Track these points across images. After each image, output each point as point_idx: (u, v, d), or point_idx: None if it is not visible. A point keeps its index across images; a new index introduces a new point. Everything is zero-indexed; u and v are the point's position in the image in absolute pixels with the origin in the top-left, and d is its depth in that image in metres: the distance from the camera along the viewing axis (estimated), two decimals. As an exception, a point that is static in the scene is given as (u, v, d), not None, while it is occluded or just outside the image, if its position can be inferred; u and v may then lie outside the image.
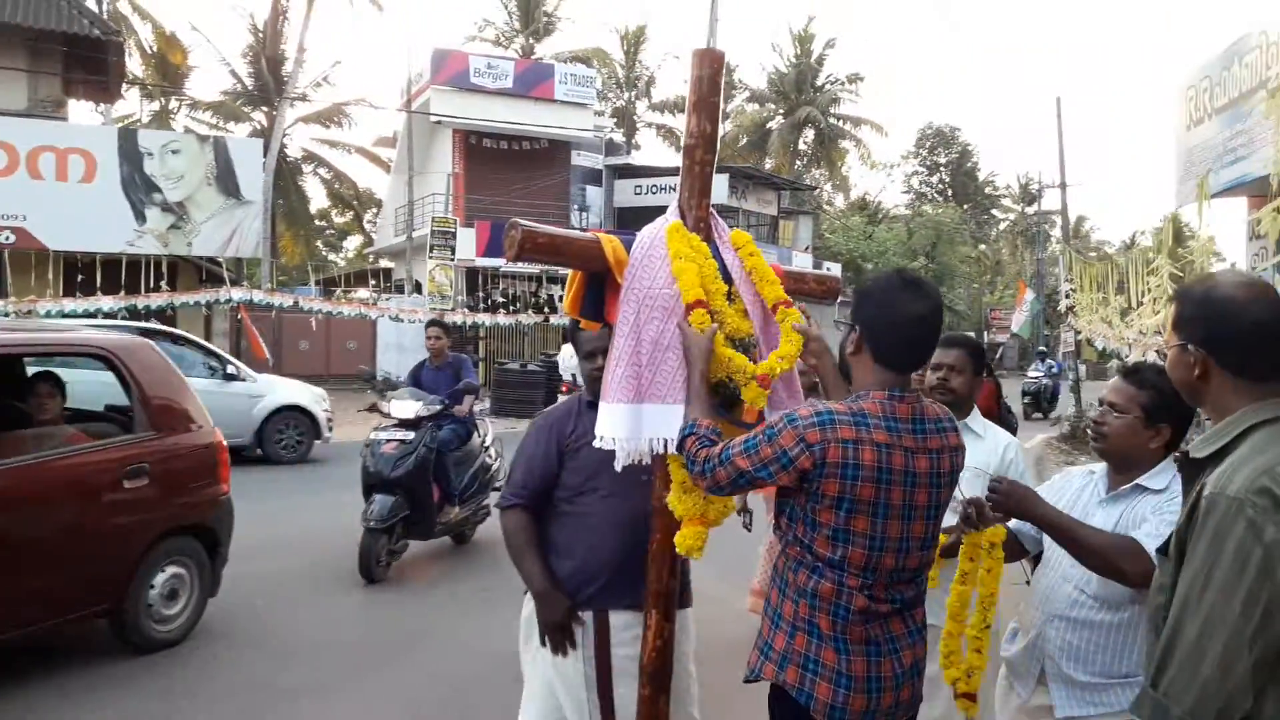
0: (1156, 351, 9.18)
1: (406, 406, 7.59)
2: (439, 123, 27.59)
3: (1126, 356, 9.53)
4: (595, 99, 31.27)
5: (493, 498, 7.71)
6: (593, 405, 2.90)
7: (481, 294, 25.84)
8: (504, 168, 28.60)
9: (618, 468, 2.64)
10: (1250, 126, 7.43)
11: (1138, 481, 2.71)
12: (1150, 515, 2.63)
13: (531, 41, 36.97)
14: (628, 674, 2.91)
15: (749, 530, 6.21)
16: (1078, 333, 17.69)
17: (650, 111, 42.33)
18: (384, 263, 33.57)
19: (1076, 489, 2.88)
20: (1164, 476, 2.72)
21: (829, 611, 2.25)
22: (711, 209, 2.82)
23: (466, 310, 23.97)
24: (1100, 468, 2.87)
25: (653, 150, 45.88)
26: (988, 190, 57.85)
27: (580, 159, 30.48)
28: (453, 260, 24.91)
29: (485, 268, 26.22)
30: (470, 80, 27.39)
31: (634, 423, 2.57)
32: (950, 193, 54.93)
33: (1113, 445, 2.74)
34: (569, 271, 2.85)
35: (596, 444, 2.62)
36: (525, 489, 3.06)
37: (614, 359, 2.60)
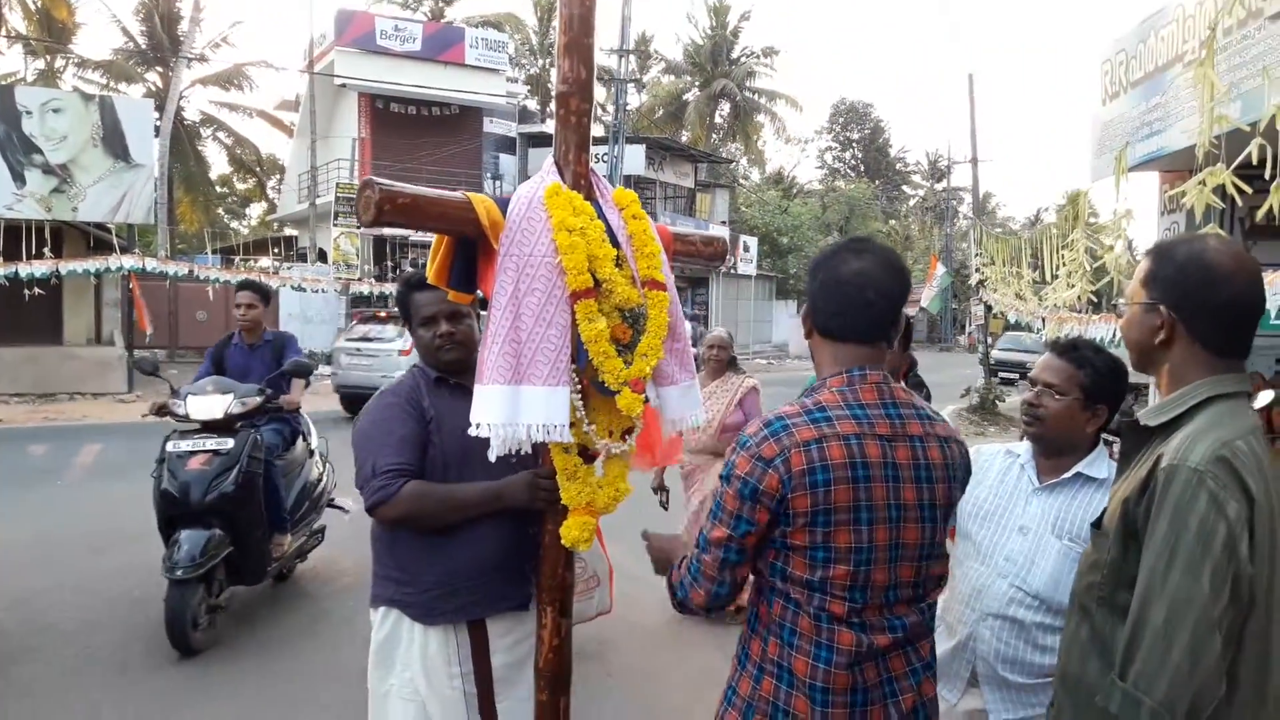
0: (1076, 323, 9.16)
1: (210, 403, 5.43)
2: (344, 86, 26.61)
3: (1039, 330, 9.50)
4: (508, 65, 30.54)
5: (343, 514, 6.82)
6: (441, 382, 2.70)
7: (390, 263, 25.13)
8: (413, 133, 27.75)
9: (492, 457, 2.34)
10: (1167, 100, 7.35)
11: (1078, 469, 2.50)
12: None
13: (441, 4, 35.89)
14: (510, 682, 2.70)
15: (665, 509, 5.99)
16: (988, 307, 17.92)
17: (564, 80, 41.56)
18: (288, 230, 32.43)
19: (999, 473, 2.66)
20: (1103, 464, 2.53)
21: (808, 652, 1.87)
22: (591, 166, 2.54)
23: (374, 280, 23.24)
24: (1022, 449, 2.65)
25: (567, 120, 45.03)
26: (898, 166, 58.67)
27: (493, 126, 29.80)
28: (359, 228, 24.14)
29: (393, 236, 25.47)
30: (376, 42, 26.46)
31: (510, 407, 2.28)
32: (862, 168, 55.54)
33: (1050, 429, 2.52)
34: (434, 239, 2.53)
35: (473, 431, 2.33)
36: (409, 464, 2.62)
37: (490, 335, 2.31)
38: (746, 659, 1.98)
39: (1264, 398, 5.53)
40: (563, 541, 2.43)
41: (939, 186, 56.12)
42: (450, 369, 2.77)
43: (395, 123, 27.78)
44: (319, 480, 6.54)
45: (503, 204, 2.40)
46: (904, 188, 60.09)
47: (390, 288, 22.39)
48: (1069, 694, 1.81)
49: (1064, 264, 9.23)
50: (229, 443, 5.26)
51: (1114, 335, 6.83)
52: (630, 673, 5.09)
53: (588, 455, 2.47)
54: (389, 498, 2.56)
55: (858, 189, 46.82)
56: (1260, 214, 3.85)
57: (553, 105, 2.56)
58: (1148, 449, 1.76)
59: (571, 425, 2.37)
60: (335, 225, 23.86)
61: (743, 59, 42.45)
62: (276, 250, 26.43)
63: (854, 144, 56.92)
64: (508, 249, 2.33)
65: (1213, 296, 1.74)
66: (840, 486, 1.82)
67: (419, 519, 2.60)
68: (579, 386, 2.41)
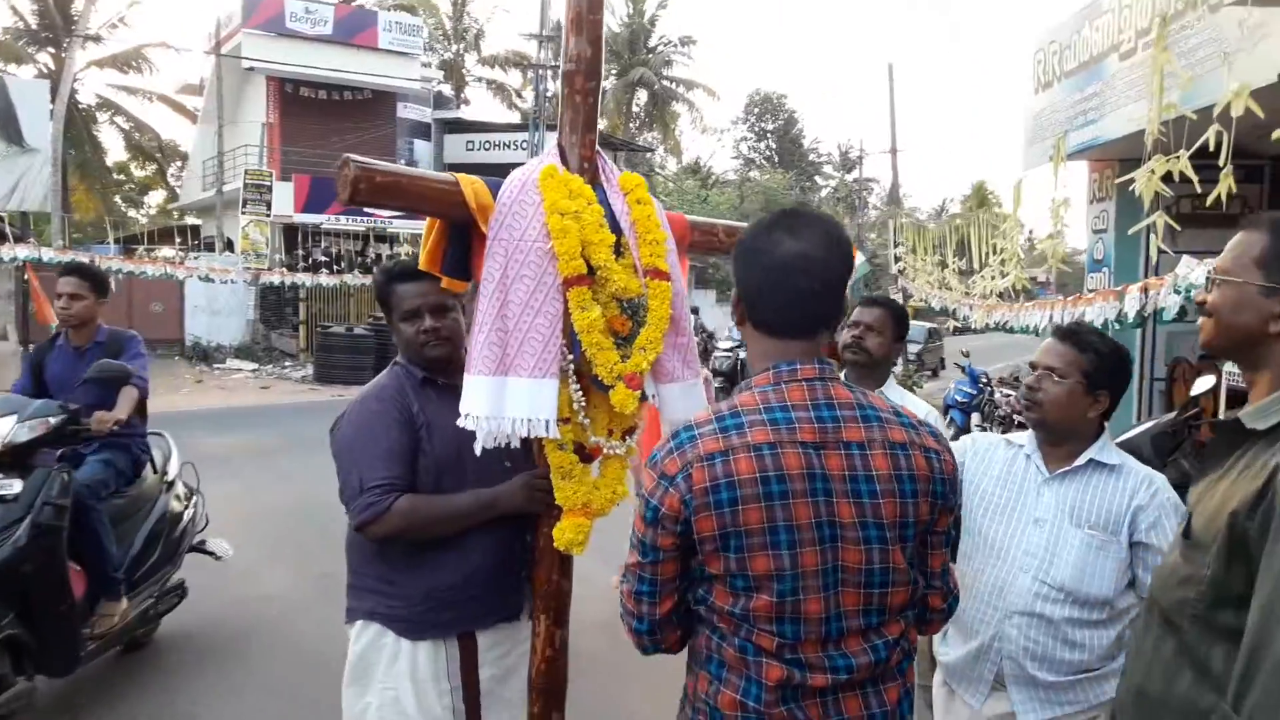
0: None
1: None
2: (251, 69, 25.63)
3: (967, 318, 9.59)
4: (422, 49, 29.86)
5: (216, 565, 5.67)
6: (429, 382, 2.51)
7: (301, 252, 24.41)
8: (324, 118, 26.90)
9: (477, 450, 2.22)
10: (1103, 89, 7.41)
11: (1091, 456, 2.43)
12: (1147, 508, 2.35)
13: (352, -13, 34.91)
14: (494, 696, 2.56)
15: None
16: (906, 295, 18.16)
17: (480, 65, 40.97)
18: (191, 219, 31.22)
19: (1003, 464, 2.58)
20: (1112, 451, 2.48)
21: (736, 686, 1.61)
22: (599, 148, 2.40)
23: (284, 269, 22.49)
24: (1024, 439, 2.57)
25: (483, 106, 44.64)
26: (811, 158, 59.35)
27: (407, 111, 29.10)
28: (268, 216, 23.42)
29: (305, 224, 24.72)
30: (286, 25, 25.53)
31: (496, 399, 2.16)
32: (776, 159, 56.02)
33: (1050, 414, 2.44)
34: (426, 222, 2.36)
35: (461, 423, 2.19)
36: (398, 477, 2.41)
37: (477, 323, 2.18)
38: (685, 699, 1.75)
39: (1203, 383, 5.60)
40: (556, 544, 2.29)
41: (850, 177, 56.98)
42: (436, 366, 2.57)
43: (306, 107, 26.90)
44: (179, 521, 5.18)
45: (494, 186, 2.25)
46: (816, 178, 60.85)
47: (304, 278, 21.73)
48: (1148, 713, 1.67)
49: (995, 252, 9.31)
50: (14, 486, 3.74)
51: (1047, 322, 6.84)
52: (595, 671, 4.92)
53: (585, 454, 2.33)
54: (378, 515, 2.37)
55: (773, 179, 47.22)
56: (1210, 200, 3.83)
57: (560, 86, 2.45)
58: (1247, 454, 1.58)
59: (566, 421, 2.24)
60: (243, 213, 23.02)
61: (660, 47, 42.36)
62: (181, 240, 25.35)
63: (769, 135, 57.36)
64: (496, 233, 2.18)
65: None
66: (750, 506, 1.55)
67: (411, 534, 2.42)
68: (577, 380, 2.26)
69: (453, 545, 2.45)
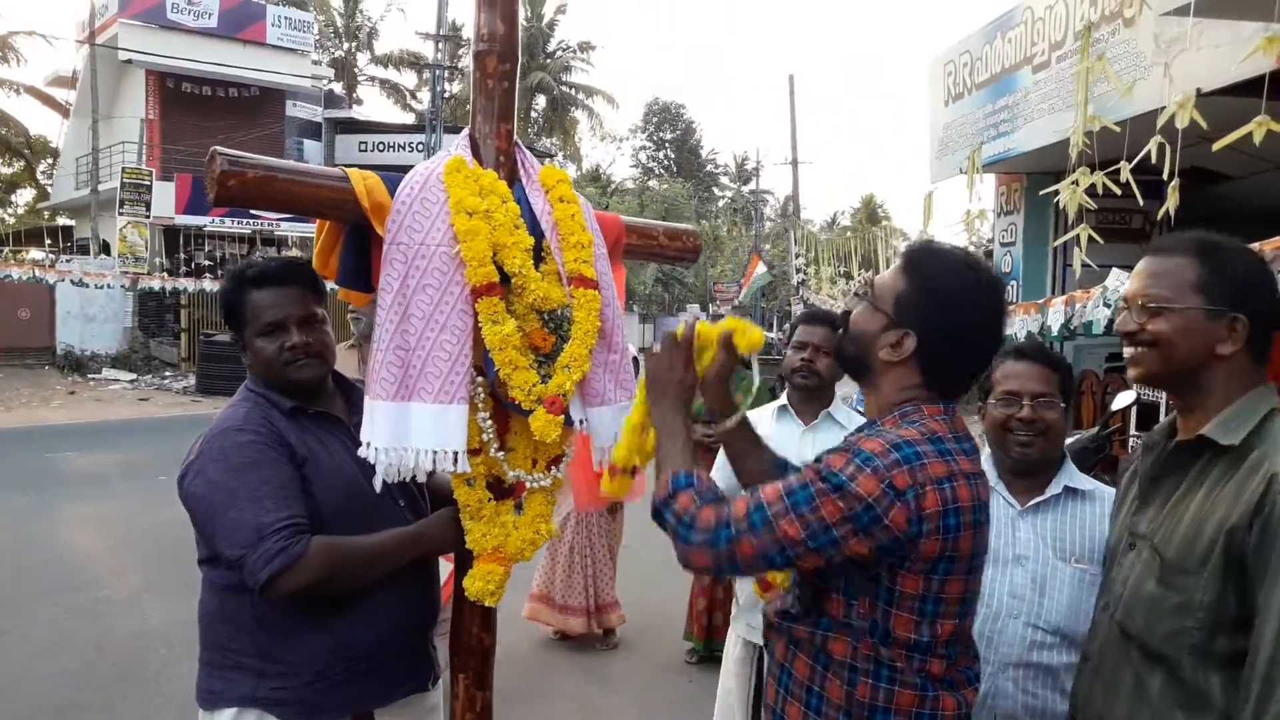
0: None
1: None
2: (129, 61, 24.33)
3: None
4: (312, 46, 28.89)
5: None
6: (298, 411, 2.08)
7: (183, 256, 23.29)
8: (208, 115, 25.72)
9: (377, 485, 1.92)
10: (1014, 101, 7.44)
11: (1065, 484, 2.27)
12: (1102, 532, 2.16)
13: (238, -20, 33.59)
14: None
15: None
16: (807, 304, 18.32)
17: (373, 65, 39.98)
18: (64, 220, 29.52)
19: None
20: (1080, 476, 2.31)
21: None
22: (517, 139, 2.13)
23: (165, 274, 21.42)
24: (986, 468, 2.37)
25: (376, 106, 43.59)
26: (708, 168, 59.83)
27: (296, 110, 28.11)
28: (148, 217, 22.26)
29: (187, 226, 23.59)
30: (167, 16, 24.37)
31: (398, 427, 1.88)
32: (675, 169, 56.27)
33: (1053, 444, 2.26)
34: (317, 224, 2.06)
35: (363, 452, 1.89)
36: (302, 517, 1.96)
37: (376, 340, 1.89)
38: None
39: (1123, 399, 5.61)
40: (466, 593, 2.00)
41: (746, 189, 57.62)
42: (304, 390, 2.14)
43: (188, 103, 25.68)
44: None
45: (391, 183, 1.95)
46: (714, 189, 61.38)
47: (186, 283, 20.70)
48: None
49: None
50: None
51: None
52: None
53: (503, 490, 2.04)
54: (293, 561, 1.89)
55: (672, 189, 47.40)
56: (1159, 214, 3.76)
57: (472, 70, 2.11)
58: (1212, 470, 1.61)
59: (476, 452, 1.96)
60: (121, 214, 21.79)
61: (559, 52, 42.04)
62: (51, 242, 23.90)
63: (667, 144, 57.58)
64: (395, 236, 1.90)
65: (1276, 303, 1.65)
66: (966, 532, 1.58)
67: (330, 585, 1.97)
68: (486, 405, 1.99)
69: (355, 603, 2.04)
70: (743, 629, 3.24)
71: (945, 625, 1.60)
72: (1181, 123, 3.43)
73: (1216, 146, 3.32)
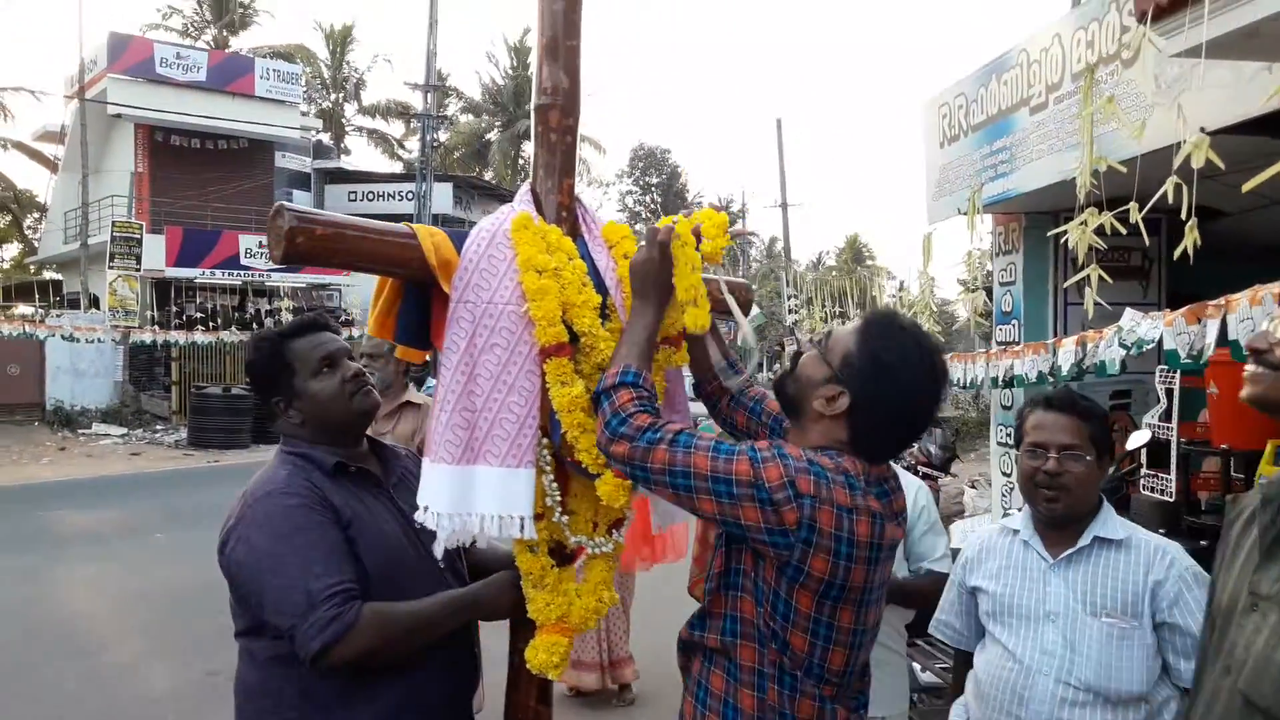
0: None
1: None
2: (118, 115, 24.41)
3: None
4: (301, 98, 29.06)
5: None
6: (341, 469, 2.04)
7: (174, 309, 23.18)
8: (197, 168, 25.80)
9: (437, 552, 1.90)
10: (1012, 143, 7.49)
11: (1095, 534, 2.21)
12: (1165, 582, 2.13)
13: (226, 34, 33.84)
14: None
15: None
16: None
17: (360, 115, 40.25)
18: (52, 274, 29.44)
19: (1002, 555, 2.35)
20: (1115, 523, 2.26)
21: None
22: (578, 195, 2.11)
23: (156, 327, 21.29)
24: (1020, 524, 2.34)
25: (363, 156, 43.86)
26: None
27: (286, 161, 28.20)
28: (138, 270, 22.15)
29: (178, 279, 23.51)
30: (156, 70, 24.49)
31: (460, 492, 1.83)
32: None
33: (1079, 499, 2.22)
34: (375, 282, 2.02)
35: (419, 517, 1.84)
36: (353, 582, 1.90)
37: (439, 401, 1.85)
38: None
39: (1138, 438, 5.59)
40: (529, 666, 1.93)
41: (733, 230, 57.91)
42: (362, 424, 2.17)
43: (177, 156, 25.77)
44: None
45: (457, 238, 1.92)
46: (700, 229, 61.72)
47: (177, 335, 20.58)
48: None
49: (903, 304, 9.34)
50: None
51: (979, 374, 6.82)
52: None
53: (564, 555, 1.98)
54: (346, 630, 1.83)
55: (659, 230, 47.75)
56: (1176, 253, 3.76)
57: (533, 122, 2.10)
58: None
59: (540, 517, 1.90)
60: (111, 267, 21.69)
61: (545, 100, 42.39)
62: (41, 297, 23.76)
63: (653, 188, 58.02)
64: (461, 294, 1.86)
65: None
66: (859, 566, 1.67)
67: (383, 653, 1.91)
68: (551, 468, 1.93)
69: (401, 672, 1.98)
70: None
71: (836, 653, 1.69)
72: (1197, 163, 3.44)
73: (1246, 188, 3.32)
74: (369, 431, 2.28)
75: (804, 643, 1.67)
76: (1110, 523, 2.24)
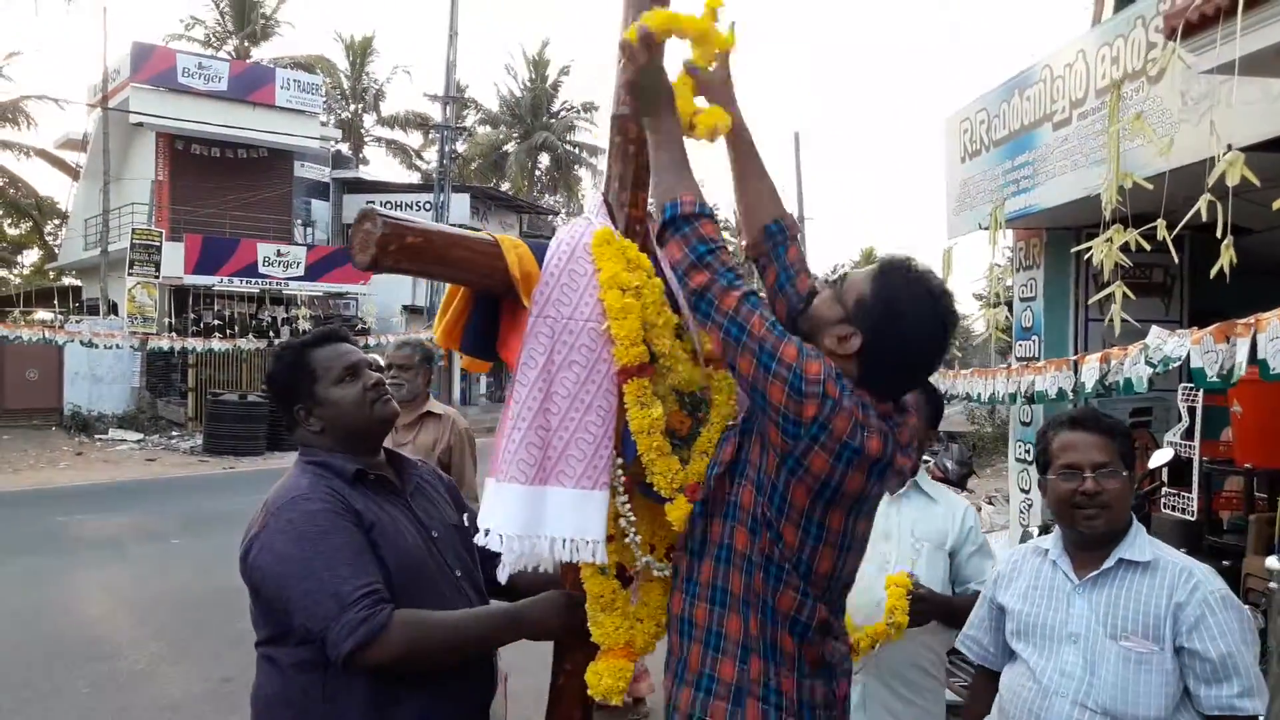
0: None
1: None
2: (140, 124, 24.61)
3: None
4: (321, 108, 29.24)
5: None
6: (361, 476, 2.03)
7: (191, 316, 23.31)
8: (217, 176, 25.97)
9: (502, 578, 1.84)
10: (1034, 158, 7.46)
11: (1120, 556, 2.18)
12: (1187, 605, 2.10)
13: (247, 45, 34.12)
14: None
15: None
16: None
17: (379, 126, 40.48)
18: (71, 280, 29.66)
19: (1031, 575, 2.33)
20: (1145, 544, 2.21)
21: (789, 627, 1.77)
22: (650, 212, 2.06)
23: (174, 334, 21.41)
24: (1050, 544, 2.31)
25: (382, 166, 44.05)
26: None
27: (305, 170, 28.37)
28: (157, 278, 22.30)
29: (196, 286, 23.65)
30: (178, 80, 24.68)
31: (532, 513, 1.79)
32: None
33: (1119, 516, 2.19)
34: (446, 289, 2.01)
35: (480, 540, 1.81)
36: (377, 584, 1.89)
37: (513, 418, 1.80)
38: (722, 640, 1.80)
39: (1160, 456, 5.54)
40: (591, 692, 1.88)
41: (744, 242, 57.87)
42: (383, 430, 2.18)
43: (197, 165, 25.94)
44: None
45: (539, 251, 1.89)
46: (716, 242, 61.83)
47: (194, 342, 20.69)
48: None
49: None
50: None
51: (1000, 390, 6.77)
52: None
53: (623, 578, 1.95)
54: (377, 632, 1.82)
55: (675, 242, 47.78)
56: (1213, 272, 3.73)
57: (610, 135, 2.04)
58: None
59: (610, 539, 1.87)
60: (130, 274, 21.87)
61: (563, 112, 42.55)
62: (60, 302, 23.93)
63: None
64: (541, 309, 1.83)
65: None
66: (857, 476, 1.72)
67: (416, 661, 1.89)
68: (624, 489, 1.89)
69: (425, 678, 1.95)
70: None
71: (825, 554, 1.75)
72: (1232, 180, 3.42)
73: (1278, 205, 3.30)
74: (389, 442, 2.27)
75: (795, 537, 1.73)
76: (1138, 544, 2.19)
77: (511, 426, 1.80)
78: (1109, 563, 2.16)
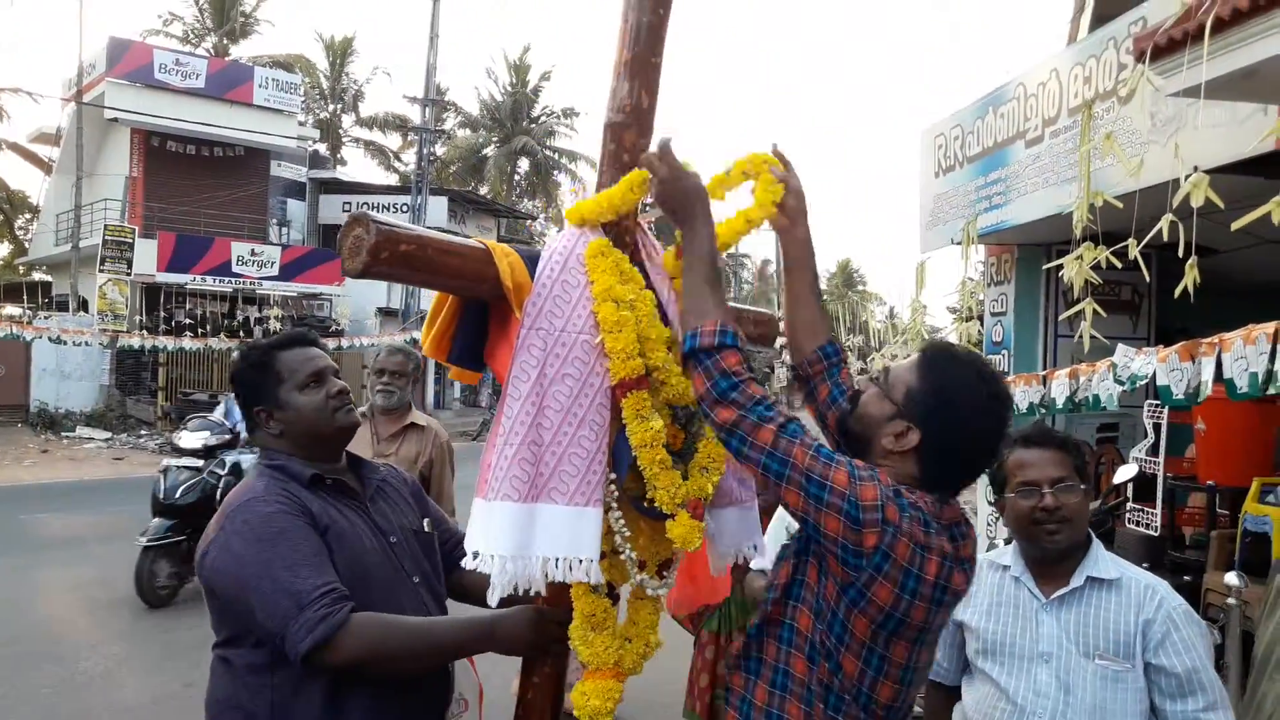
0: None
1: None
2: (115, 120, 24.36)
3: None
4: (299, 107, 29.06)
5: None
6: (318, 481, 2.03)
7: (163, 314, 23.10)
8: (192, 174, 25.77)
9: (492, 601, 1.78)
10: (1007, 175, 7.54)
11: (1088, 574, 2.19)
12: (1154, 622, 2.12)
13: (226, 42, 33.87)
14: None
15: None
16: (793, 369, 18.37)
17: (358, 126, 40.29)
18: (41, 275, 29.31)
19: (991, 591, 2.33)
20: (1107, 562, 2.23)
21: None
22: (641, 222, 2.04)
23: (145, 332, 21.20)
24: (1010, 559, 2.32)
25: (359, 168, 43.80)
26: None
27: (281, 170, 28.17)
28: (129, 275, 22.06)
29: (168, 284, 23.43)
30: (154, 76, 24.45)
31: (522, 532, 1.74)
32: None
33: (1078, 529, 2.21)
34: (433, 298, 1.96)
35: (469, 564, 1.76)
36: (336, 583, 1.87)
37: (503, 433, 1.76)
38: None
39: (1125, 472, 5.60)
40: (577, 713, 1.84)
41: (725, 253, 58.01)
42: (342, 440, 2.17)
43: (172, 162, 25.72)
44: None
45: (530, 260, 1.85)
46: (693, 250, 61.80)
47: (165, 341, 20.49)
48: None
49: (896, 331, 9.36)
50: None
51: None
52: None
53: (610, 595, 1.91)
54: (335, 630, 1.79)
55: (652, 250, 47.78)
56: (1177, 291, 3.78)
57: (602, 140, 2.01)
58: None
59: (603, 556, 1.82)
60: (102, 271, 21.62)
61: (543, 118, 42.51)
62: (29, 298, 23.62)
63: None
64: (534, 320, 1.79)
65: None
66: (920, 605, 1.63)
67: (376, 664, 1.87)
68: (619, 505, 1.85)
69: (376, 687, 1.93)
70: None
71: (886, 686, 1.66)
72: (1196, 202, 3.47)
73: (1236, 226, 3.35)
74: (371, 453, 2.26)
75: (855, 668, 1.65)
76: (1102, 561, 2.22)
77: (503, 443, 1.75)
78: (1077, 581, 2.18)
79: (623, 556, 1.85)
